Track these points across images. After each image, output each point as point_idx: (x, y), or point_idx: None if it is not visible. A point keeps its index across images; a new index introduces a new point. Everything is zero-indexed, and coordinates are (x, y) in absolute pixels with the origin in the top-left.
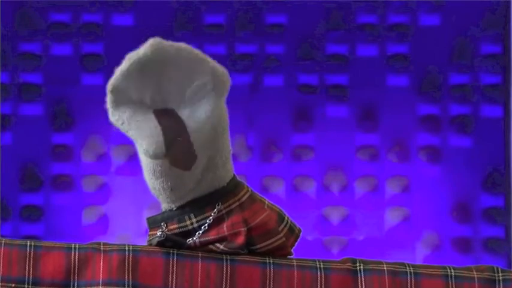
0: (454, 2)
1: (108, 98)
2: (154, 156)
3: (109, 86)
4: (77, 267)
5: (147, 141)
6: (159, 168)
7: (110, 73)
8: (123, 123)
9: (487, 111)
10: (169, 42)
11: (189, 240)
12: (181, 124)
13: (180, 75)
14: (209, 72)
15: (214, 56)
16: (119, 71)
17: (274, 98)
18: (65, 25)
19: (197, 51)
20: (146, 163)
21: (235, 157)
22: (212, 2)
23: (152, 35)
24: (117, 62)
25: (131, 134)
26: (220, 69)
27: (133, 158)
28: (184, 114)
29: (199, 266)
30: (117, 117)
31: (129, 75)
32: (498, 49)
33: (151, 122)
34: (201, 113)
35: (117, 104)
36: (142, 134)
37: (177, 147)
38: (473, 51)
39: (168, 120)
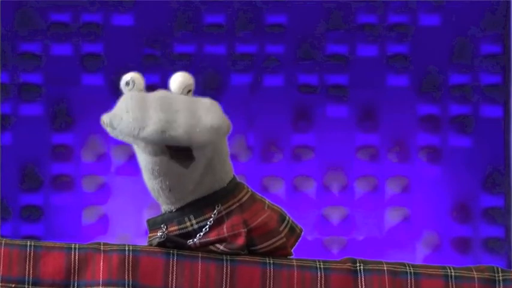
0: (454, 2)
1: (108, 129)
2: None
3: (107, 121)
4: (77, 267)
5: (150, 127)
6: (158, 167)
7: (110, 73)
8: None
9: (487, 111)
10: (172, 126)
11: (190, 241)
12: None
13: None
14: (211, 134)
15: (214, 56)
16: (119, 123)
17: (274, 98)
18: (65, 25)
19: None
20: (145, 163)
21: (235, 157)
22: (212, 2)
23: (152, 35)
24: (117, 62)
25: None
26: (222, 123)
27: (133, 158)
28: None
29: (199, 266)
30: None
31: (129, 135)
32: (498, 49)
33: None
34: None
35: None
36: (144, 123)
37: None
38: (473, 51)
39: None
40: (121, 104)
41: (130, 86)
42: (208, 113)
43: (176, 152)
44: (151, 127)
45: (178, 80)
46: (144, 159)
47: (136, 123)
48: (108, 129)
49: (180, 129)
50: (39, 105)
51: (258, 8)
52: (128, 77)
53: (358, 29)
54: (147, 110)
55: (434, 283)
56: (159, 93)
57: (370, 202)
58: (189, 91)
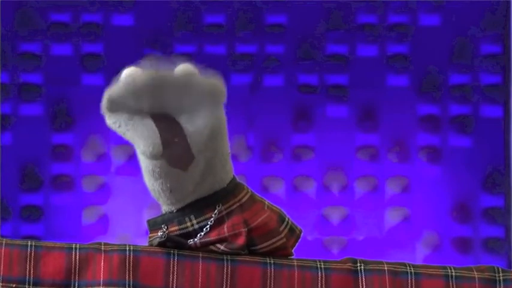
0: (454, 2)
1: (105, 105)
2: (152, 157)
3: (106, 97)
4: (77, 267)
5: (144, 142)
6: (158, 169)
7: (110, 73)
8: (119, 125)
9: (487, 111)
10: (166, 70)
11: (190, 241)
12: (178, 126)
13: (179, 90)
14: (206, 85)
15: (214, 56)
16: (116, 86)
17: (274, 98)
18: (65, 25)
19: (194, 71)
20: (145, 164)
21: (235, 157)
22: (212, 2)
23: (152, 35)
24: (117, 62)
25: (128, 135)
26: (217, 81)
27: (133, 158)
28: (182, 119)
29: (200, 266)
30: (114, 120)
31: (126, 91)
32: (498, 49)
33: (148, 123)
34: (199, 120)
35: (113, 110)
36: (139, 135)
37: (174, 148)
38: (473, 51)
39: (165, 122)
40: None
41: None
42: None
43: (174, 154)
44: (145, 75)
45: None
46: (144, 160)
47: (130, 78)
48: (107, 118)
49: (176, 74)
50: (39, 105)
51: (258, 8)
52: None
53: (358, 29)
54: (140, 71)
55: (434, 283)
56: None
57: (370, 202)
58: None
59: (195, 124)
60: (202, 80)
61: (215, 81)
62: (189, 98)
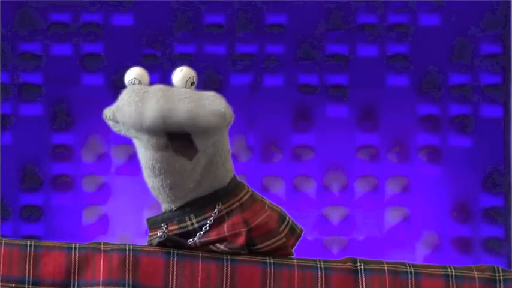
0: (454, 2)
1: (109, 121)
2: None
3: (111, 118)
4: (77, 267)
5: (152, 114)
6: (158, 164)
7: (110, 73)
8: (124, 123)
9: (487, 111)
10: (175, 111)
11: (190, 241)
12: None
13: (185, 129)
14: (212, 122)
15: (214, 56)
16: (123, 115)
17: (274, 98)
18: (65, 25)
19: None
20: (146, 160)
21: (235, 157)
22: (212, 2)
23: (152, 35)
24: (117, 62)
25: (132, 132)
26: (222, 111)
27: (133, 158)
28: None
29: (200, 266)
30: (120, 128)
31: (134, 127)
32: (498, 49)
33: None
34: (210, 139)
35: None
36: (146, 114)
37: (181, 139)
38: (473, 51)
39: None
40: (123, 97)
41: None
42: (212, 102)
43: (179, 145)
44: (153, 114)
45: (181, 72)
46: (145, 155)
47: (138, 115)
48: (110, 123)
49: (182, 115)
50: (39, 105)
51: (258, 8)
52: (132, 74)
53: (358, 29)
54: (149, 100)
55: (434, 283)
56: (161, 85)
57: (370, 202)
58: (192, 83)
59: (204, 140)
60: (207, 116)
61: (223, 111)
62: (196, 133)
